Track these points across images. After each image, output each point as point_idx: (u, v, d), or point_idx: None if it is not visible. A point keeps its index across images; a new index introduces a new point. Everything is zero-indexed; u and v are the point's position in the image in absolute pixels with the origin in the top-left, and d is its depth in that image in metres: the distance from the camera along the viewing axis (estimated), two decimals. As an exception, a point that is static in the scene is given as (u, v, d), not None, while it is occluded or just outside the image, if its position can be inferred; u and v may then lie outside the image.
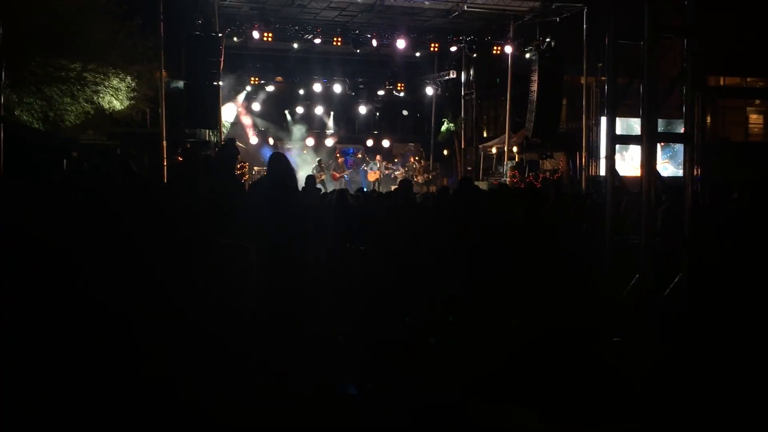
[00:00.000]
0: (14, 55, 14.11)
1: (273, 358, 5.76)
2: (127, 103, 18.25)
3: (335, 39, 24.22)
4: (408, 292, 7.45)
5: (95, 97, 17.37)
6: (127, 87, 17.90)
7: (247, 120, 28.04)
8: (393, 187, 15.24)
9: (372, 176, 26.13)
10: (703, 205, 9.39)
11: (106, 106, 17.82)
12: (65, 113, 17.20)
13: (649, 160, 5.22)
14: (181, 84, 20.75)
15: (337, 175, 25.39)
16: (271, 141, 27.83)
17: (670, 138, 16.83)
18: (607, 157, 5.86)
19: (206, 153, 21.35)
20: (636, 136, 5.37)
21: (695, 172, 5.73)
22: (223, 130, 24.09)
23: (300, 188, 10.17)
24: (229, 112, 27.04)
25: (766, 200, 7.41)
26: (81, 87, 17.05)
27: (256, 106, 28.18)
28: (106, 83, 17.39)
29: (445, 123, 29.25)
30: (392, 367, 6.19)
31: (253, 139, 27.59)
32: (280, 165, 6.86)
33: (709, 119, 28.80)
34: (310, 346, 6.07)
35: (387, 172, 26.24)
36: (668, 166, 22.08)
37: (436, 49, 26.64)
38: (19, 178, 6.26)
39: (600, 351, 5.70)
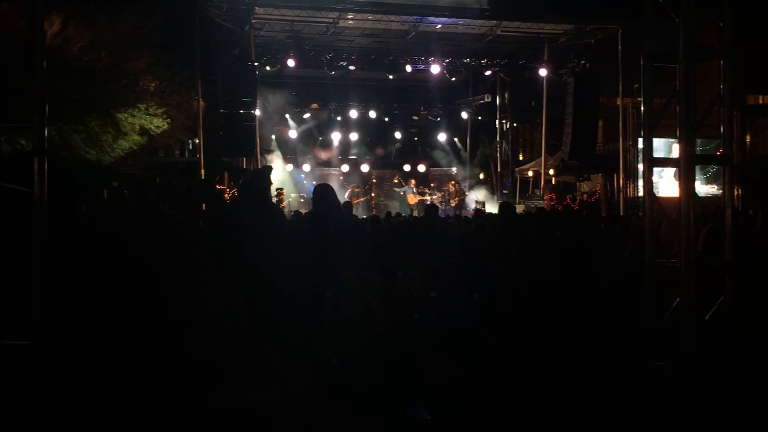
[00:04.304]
0: (58, 88, 14.49)
1: None
2: (166, 125, 18.69)
3: (370, 66, 24.40)
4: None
5: (131, 119, 17.80)
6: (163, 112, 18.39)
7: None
8: None
9: (411, 200, 25.96)
10: (745, 225, 9.24)
11: (148, 126, 18.24)
12: (108, 148, 17.65)
13: (687, 183, 5.15)
14: (218, 113, 21.04)
15: (355, 201, 25.22)
16: (306, 168, 27.96)
17: (708, 160, 16.75)
18: (644, 181, 5.78)
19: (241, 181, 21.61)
20: (674, 159, 5.29)
21: (735, 192, 5.67)
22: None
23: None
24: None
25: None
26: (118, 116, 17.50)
27: (293, 133, 28.44)
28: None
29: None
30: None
31: (288, 166, 27.72)
32: (324, 197, 6.89)
33: (748, 138, 28.46)
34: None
35: (424, 197, 26.08)
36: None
37: (470, 74, 26.68)
38: (60, 207, 6.39)
39: (642, 375, 5.60)
